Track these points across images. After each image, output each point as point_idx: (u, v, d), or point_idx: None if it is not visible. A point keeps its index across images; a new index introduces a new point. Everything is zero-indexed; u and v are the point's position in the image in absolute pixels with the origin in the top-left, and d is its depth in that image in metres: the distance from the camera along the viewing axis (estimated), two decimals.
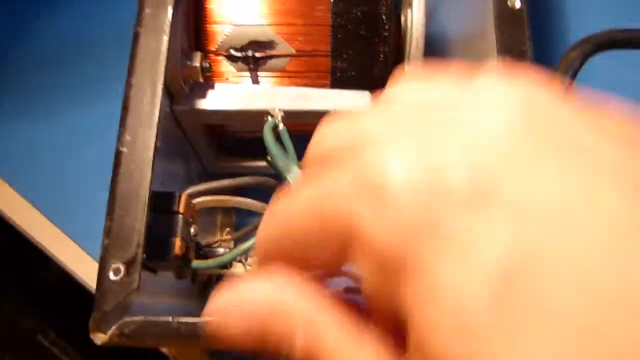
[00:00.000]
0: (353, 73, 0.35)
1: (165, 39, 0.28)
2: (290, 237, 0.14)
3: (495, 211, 0.11)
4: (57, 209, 0.45)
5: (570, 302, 0.10)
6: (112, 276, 0.25)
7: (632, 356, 0.10)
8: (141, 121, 0.27)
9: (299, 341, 0.13)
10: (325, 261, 0.13)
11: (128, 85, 0.27)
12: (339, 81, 0.35)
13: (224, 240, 0.39)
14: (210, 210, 0.43)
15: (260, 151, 0.33)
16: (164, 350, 0.43)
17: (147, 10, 0.28)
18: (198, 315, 0.25)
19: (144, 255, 0.25)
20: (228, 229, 0.43)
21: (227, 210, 0.44)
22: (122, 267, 0.25)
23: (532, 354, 0.10)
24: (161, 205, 0.29)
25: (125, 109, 0.27)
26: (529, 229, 0.11)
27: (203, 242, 0.36)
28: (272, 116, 0.33)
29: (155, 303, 0.29)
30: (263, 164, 0.38)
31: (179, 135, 0.37)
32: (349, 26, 0.34)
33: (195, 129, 0.37)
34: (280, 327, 0.13)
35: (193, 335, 0.25)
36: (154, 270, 0.29)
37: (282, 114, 0.33)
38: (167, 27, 0.28)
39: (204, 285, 0.39)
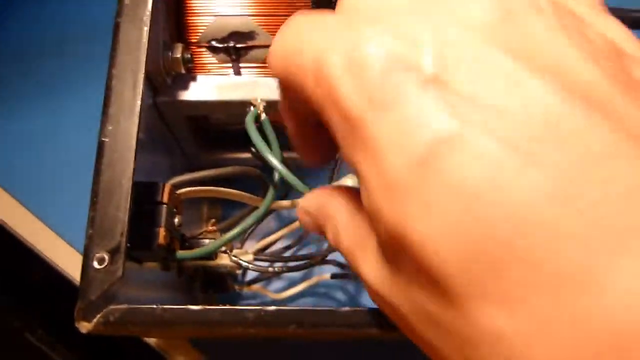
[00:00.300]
0: None
1: (146, 29, 0.28)
2: (290, 63, 0.17)
3: (445, 96, 0.13)
4: (38, 202, 0.45)
5: (478, 179, 0.12)
6: (96, 265, 0.25)
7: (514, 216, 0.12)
8: (123, 111, 0.27)
9: (328, 230, 0.20)
10: (311, 98, 0.16)
11: (109, 76, 0.27)
12: None
13: (210, 232, 0.39)
14: (196, 203, 0.43)
15: (244, 143, 0.33)
16: (151, 342, 0.43)
17: (127, 1, 0.28)
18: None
19: (128, 245, 0.26)
20: (214, 219, 0.43)
21: (213, 203, 0.44)
22: (106, 256, 0.25)
23: (437, 210, 0.13)
24: (145, 195, 0.29)
25: (107, 99, 0.27)
26: (470, 119, 0.13)
27: (189, 234, 0.36)
28: (254, 106, 0.33)
29: (141, 295, 0.29)
30: (247, 156, 0.39)
31: (162, 128, 0.37)
32: None
33: (178, 121, 0.37)
34: (322, 222, 0.21)
35: (178, 322, 0.25)
36: (139, 261, 0.29)
37: (265, 104, 0.33)
38: (147, 18, 0.28)
39: (190, 278, 0.40)
